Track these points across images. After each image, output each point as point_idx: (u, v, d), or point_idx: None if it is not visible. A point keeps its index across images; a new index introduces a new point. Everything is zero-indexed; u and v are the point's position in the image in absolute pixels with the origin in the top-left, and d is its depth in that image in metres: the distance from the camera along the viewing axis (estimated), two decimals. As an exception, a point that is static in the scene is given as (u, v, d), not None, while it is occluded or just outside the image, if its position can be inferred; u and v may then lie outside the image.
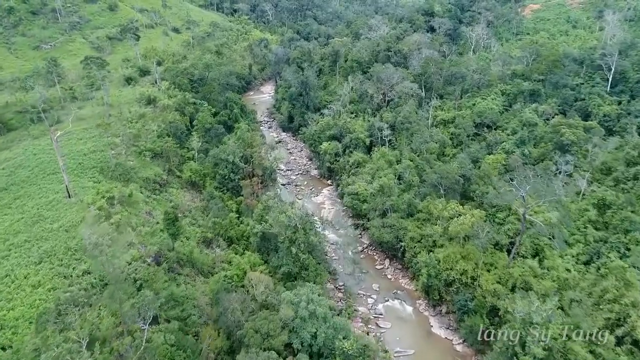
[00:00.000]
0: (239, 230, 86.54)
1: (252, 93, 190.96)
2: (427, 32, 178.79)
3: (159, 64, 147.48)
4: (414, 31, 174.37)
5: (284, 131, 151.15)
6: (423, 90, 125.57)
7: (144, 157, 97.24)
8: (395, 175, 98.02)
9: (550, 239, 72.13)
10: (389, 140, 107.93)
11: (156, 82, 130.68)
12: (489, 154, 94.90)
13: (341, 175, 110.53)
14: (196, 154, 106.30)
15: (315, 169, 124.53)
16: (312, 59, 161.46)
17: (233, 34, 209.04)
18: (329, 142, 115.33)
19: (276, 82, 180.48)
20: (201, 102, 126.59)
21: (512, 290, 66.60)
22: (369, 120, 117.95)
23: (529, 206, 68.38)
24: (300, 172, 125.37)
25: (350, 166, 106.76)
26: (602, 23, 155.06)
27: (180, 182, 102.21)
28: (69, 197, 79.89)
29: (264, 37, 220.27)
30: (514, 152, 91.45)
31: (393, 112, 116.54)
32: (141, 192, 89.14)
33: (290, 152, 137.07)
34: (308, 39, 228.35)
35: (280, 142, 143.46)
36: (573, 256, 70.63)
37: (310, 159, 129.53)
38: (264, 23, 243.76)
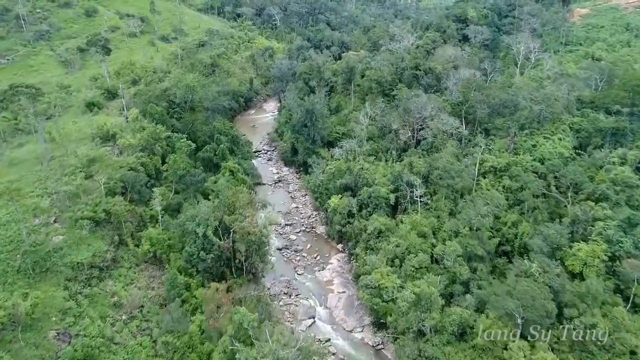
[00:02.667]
0: (202, 354, 56.93)
1: (252, 112, 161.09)
2: (460, 42, 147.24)
3: (134, 82, 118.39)
4: (444, 41, 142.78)
5: (286, 164, 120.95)
6: (463, 123, 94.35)
7: (80, 228, 67.93)
8: (433, 258, 67.57)
9: None
10: (422, 198, 77.03)
11: (123, 110, 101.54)
12: (576, 241, 62.73)
13: (356, 243, 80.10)
14: (160, 215, 76.71)
15: (323, 224, 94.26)
16: (322, 76, 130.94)
17: (234, 42, 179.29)
18: (341, 195, 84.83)
19: (280, 100, 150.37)
20: (178, 136, 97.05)
21: None
22: (393, 166, 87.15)
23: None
24: (304, 227, 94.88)
25: (369, 235, 76.18)
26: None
27: (137, 257, 72.98)
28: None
29: (270, 45, 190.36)
30: (621, 242, 59.45)
31: (426, 157, 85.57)
32: (65, 289, 60.05)
33: (291, 196, 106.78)
34: (319, 47, 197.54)
35: (280, 180, 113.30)
36: None
37: (317, 209, 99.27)
38: (271, 29, 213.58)
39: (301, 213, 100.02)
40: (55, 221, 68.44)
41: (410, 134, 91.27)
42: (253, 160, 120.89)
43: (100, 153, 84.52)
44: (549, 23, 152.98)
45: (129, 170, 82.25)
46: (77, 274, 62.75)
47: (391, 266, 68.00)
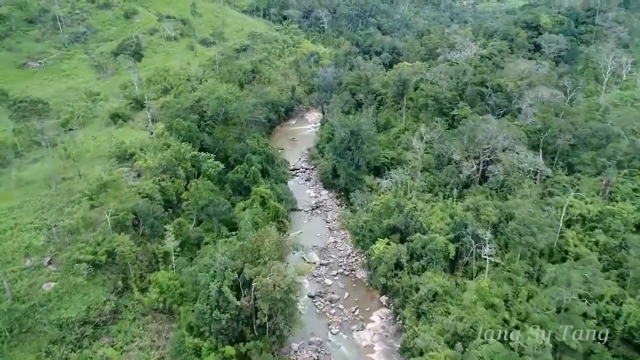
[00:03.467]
0: None
1: (293, 122, 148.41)
2: (529, 51, 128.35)
3: (165, 91, 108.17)
4: (511, 51, 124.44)
5: (325, 187, 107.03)
6: (541, 154, 77.03)
7: (75, 273, 56.99)
8: (504, 337, 51.71)
9: None
10: (490, 254, 60.95)
11: (149, 124, 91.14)
12: None
13: (404, 302, 64.99)
14: (173, 256, 64.85)
15: (364, 267, 79.61)
16: (371, 88, 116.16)
17: (277, 47, 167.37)
18: (387, 239, 69.91)
19: (323, 111, 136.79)
20: (205, 156, 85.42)
21: None
22: (453, 207, 71.26)
23: None
24: (342, 269, 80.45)
25: (421, 297, 61.00)
26: None
27: (143, 305, 61.51)
28: None
29: (315, 50, 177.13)
30: None
31: (495, 199, 69.18)
32: (47, 356, 48.94)
33: (329, 227, 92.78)
34: (368, 52, 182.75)
35: (318, 207, 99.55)
36: None
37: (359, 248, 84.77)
38: (318, 32, 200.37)
39: (340, 250, 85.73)
40: (50, 262, 57.87)
41: (475, 167, 75.01)
42: (290, 180, 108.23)
43: (114, 176, 73.79)
44: (637, 32, 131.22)
45: (145, 197, 71.06)
46: (65, 334, 51.63)
47: (451, 347, 52.67)
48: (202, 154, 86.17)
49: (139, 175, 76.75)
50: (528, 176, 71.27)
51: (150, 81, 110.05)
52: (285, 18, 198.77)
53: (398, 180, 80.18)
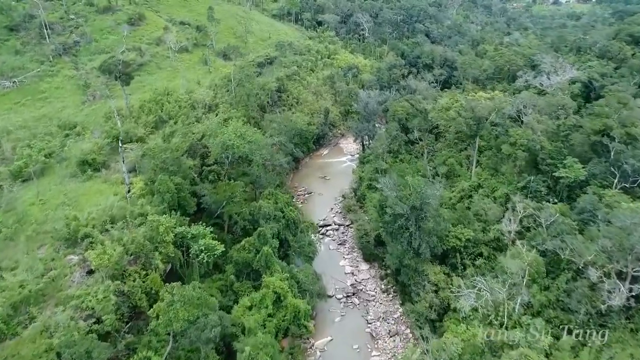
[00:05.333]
0: None
1: (325, 152, 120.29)
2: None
3: (160, 123, 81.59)
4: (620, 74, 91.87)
5: (365, 257, 78.40)
6: None
7: None
8: None
9: None
10: None
11: (124, 180, 64.60)
12: None
13: None
14: None
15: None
16: (429, 125, 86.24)
17: (310, 58, 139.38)
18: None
19: (363, 146, 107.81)
20: (196, 233, 58.13)
21: None
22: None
23: None
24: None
25: None
26: None
27: None
28: None
29: (354, 62, 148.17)
30: None
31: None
32: None
33: (371, 331, 63.86)
34: (416, 64, 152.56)
35: (354, 293, 70.66)
36: None
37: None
38: (358, 40, 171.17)
39: (387, 372, 57.29)
40: None
41: (621, 288, 44.48)
42: (319, 242, 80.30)
43: (53, 275, 47.51)
44: None
45: (91, 310, 44.44)
46: None
47: None
48: (194, 229, 58.79)
49: (90, 272, 50.24)
50: None
51: (143, 109, 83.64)
52: (320, 24, 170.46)
53: (484, 284, 50.37)
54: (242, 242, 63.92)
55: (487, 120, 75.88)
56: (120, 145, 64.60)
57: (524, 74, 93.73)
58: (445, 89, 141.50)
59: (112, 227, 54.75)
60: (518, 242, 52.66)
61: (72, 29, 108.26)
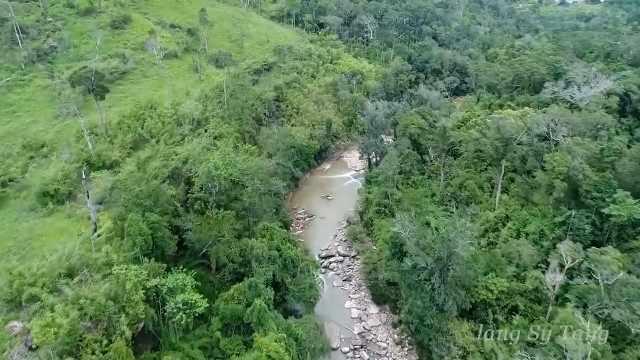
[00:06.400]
0: None
1: (327, 167, 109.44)
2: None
3: (139, 143, 70.82)
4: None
5: (373, 297, 67.53)
6: None
7: None
8: None
9: None
10: None
11: (91, 215, 53.92)
12: None
13: None
14: None
15: None
16: (447, 145, 75.28)
17: (311, 63, 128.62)
18: None
19: (370, 163, 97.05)
20: (175, 283, 47.60)
21: None
22: None
23: None
24: None
25: None
26: None
27: None
28: None
29: (358, 66, 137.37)
30: None
31: None
32: None
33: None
34: (424, 69, 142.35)
35: (362, 346, 59.91)
36: None
37: None
38: (362, 44, 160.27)
39: None
40: None
41: None
42: (320, 274, 69.70)
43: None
44: None
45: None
46: None
47: None
48: (171, 279, 48.07)
49: (32, 349, 39.58)
50: None
51: (120, 126, 72.80)
52: (321, 26, 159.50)
53: (526, 360, 39.68)
54: (231, 290, 53.36)
55: (515, 140, 65.24)
56: (84, 174, 53.73)
57: (550, 85, 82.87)
58: (456, 95, 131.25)
59: (67, 283, 44.08)
60: (569, 305, 41.86)
61: (48, 33, 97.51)
